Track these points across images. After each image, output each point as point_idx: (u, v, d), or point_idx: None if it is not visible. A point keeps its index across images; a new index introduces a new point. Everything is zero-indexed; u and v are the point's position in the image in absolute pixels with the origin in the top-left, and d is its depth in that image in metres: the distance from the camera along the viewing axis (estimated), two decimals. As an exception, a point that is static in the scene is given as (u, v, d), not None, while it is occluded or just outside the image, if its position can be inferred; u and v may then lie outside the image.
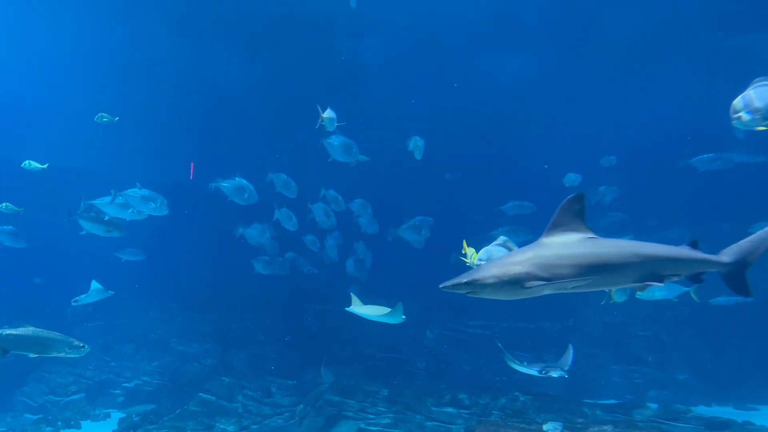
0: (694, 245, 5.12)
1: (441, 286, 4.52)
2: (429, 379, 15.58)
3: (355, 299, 10.13)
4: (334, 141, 11.76)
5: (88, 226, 11.39)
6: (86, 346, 6.99)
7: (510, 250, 6.90)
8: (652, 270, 4.81)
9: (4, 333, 6.56)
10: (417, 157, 12.63)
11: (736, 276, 5.12)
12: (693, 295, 11.58)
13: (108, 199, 11.00)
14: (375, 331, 16.54)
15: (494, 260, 4.73)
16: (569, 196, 4.83)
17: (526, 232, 14.46)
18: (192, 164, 15.60)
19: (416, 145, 12.52)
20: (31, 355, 6.70)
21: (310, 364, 15.67)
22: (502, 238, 7.30)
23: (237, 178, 12.14)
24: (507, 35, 16.99)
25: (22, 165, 12.21)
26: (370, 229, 14.75)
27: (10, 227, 13.96)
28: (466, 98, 17.56)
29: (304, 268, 15.93)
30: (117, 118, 11.60)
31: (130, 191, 11.06)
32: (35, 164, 12.19)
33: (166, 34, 17.01)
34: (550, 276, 4.48)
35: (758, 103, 5.78)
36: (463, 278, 4.50)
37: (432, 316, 16.67)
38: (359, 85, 17.08)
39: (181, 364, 16.08)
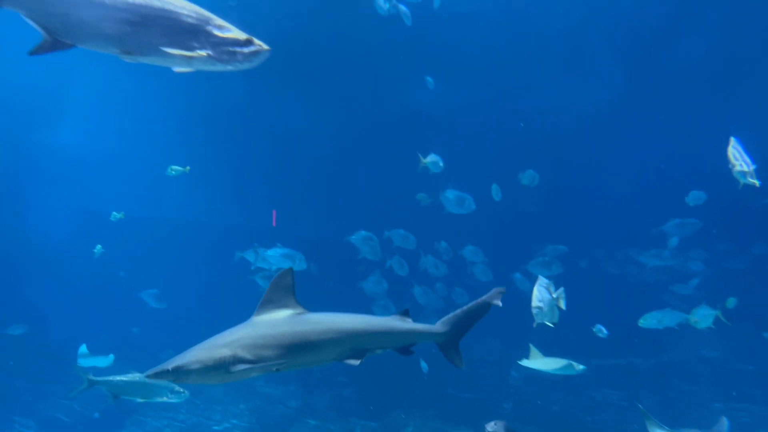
0: (405, 314, 4.91)
1: (145, 374, 4.42)
2: (516, 419, 15.06)
3: (534, 352, 9.73)
4: (449, 195, 12.20)
5: (263, 283, 12.26)
6: (186, 392, 7.35)
7: (550, 293, 6.77)
8: (356, 345, 4.66)
9: (115, 379, 7.01)
10: (496, 198, 12.69)
11: (450, 346, 5.07)
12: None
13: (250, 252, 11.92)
14: (456, 370, 16.28)
15: (205, 343, 4.53)
16: (279, 272, 4.75)
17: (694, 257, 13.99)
18: (274, 212, 16.24)
19: (531, 178, 12.72)
20: (138, 400, 7.10)
21: (392, 405, 15.60)
22: (543, 281, 7.08)
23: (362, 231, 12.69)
24: (579, 63, 16.90)
25: (111, 218, 13.16)
26: (483, 277, 14.61)
27: (155, 290, 14.93)
28: (540, 130, 17.44)
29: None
30: (188, 168, 12.23)
31: (270, 251, 11.84)
32: (118, 215, 13.16)
33: (239, 84, 17.91)
34: (255, 358, 4.36)
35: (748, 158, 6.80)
36: (168, 365, 4.36)
37: (516, 354, 16.24)
38: (433, 128, 17.25)
39: (267, 407, 16.38)
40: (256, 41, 3.86)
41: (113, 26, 3.62)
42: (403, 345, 5.03)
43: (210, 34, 3.77)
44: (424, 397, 15.85)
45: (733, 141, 6.87)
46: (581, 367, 9.25)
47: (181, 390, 7.30)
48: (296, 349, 4.59)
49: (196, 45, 3.73)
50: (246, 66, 3.88)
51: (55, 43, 3.64)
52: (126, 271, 18.11)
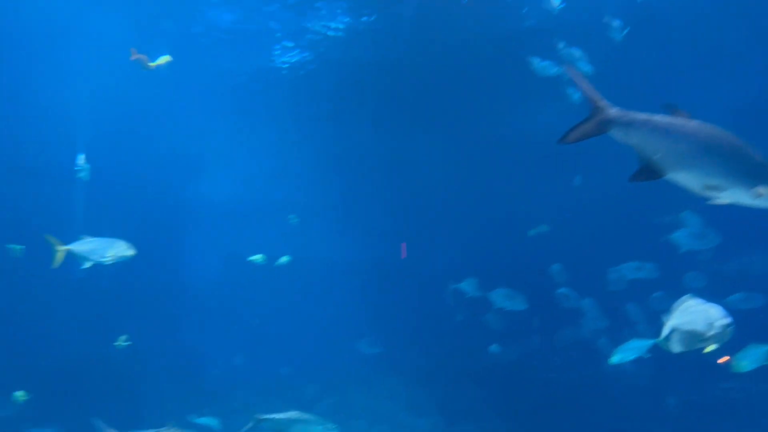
0: None
1: None
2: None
3: None
4: (498, 292, 12.67)
5: None
6: (337, 427, 7.68)
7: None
8: None
9: (277, 417, 7.48)
10: None
11: None
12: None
13: None
14: (606, 399, 15.46)
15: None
16: None
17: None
18: (403, 245, 16.61)
19: None
20: None
21: (540, 436, 15.05)
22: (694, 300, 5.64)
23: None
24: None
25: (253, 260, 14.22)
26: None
27: (367, 338, 15.98)
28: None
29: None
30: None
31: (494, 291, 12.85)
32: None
33: (365, 126, 18.60)
34: None
35: None
36: None
37: (671, 378, 15.07)
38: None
39: (411, 439, 16.40)
40: None
41: (708, 162, 4.07)
42: None
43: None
44: (573, 426, 15.11)
45: None
46: None
47: (334, 426, 7.63)
48: None
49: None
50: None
51: (649, 173, 4.19)
52: (260, 318, 19.39)
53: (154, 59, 11.55)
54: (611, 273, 13.60)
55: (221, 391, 17.49)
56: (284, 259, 14.05)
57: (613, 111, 4.24)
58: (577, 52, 11.19)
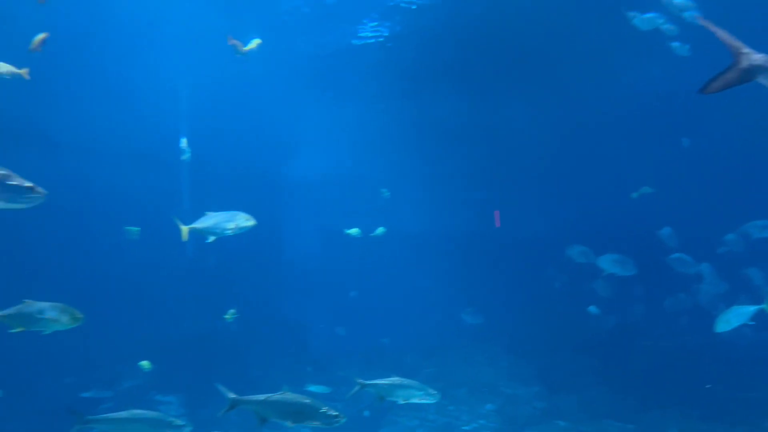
0: None
1: None
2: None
3: None
4: (607, 258, 12.66)
5: None
6: (438, 393, 7.83)
7: None
8: None
9: (379, 383, 7.74)
10: None
11: None
12: None
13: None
14: (722, 367, 14.69)
15: None
16: None
17: None
18: (497, 212, 16.42)
19: None
20: (400, 401, 7.76)
21: (649, 406, 14.52)
22: None
23: None
24: None
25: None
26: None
27: (470, 308, 16.42)
28: None
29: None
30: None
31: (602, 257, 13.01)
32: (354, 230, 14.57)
33: (454, 95, 18.35)
34: None
35: None
36: None
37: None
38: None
39: (512, 408, 16.36)
40: None
41: None
42: None
43: None
44: (686, 395, 14.46)
45: None
46: None
47: (435, 392, 7.77)
48: None
49: None
50: None
51: None
52: (358, 291, 19.85)
53: (245, 44, 12.00)
54: (731, 234, 12.71)
55: (325, 361, 18.23)
56: (380, 231, 14.33)
57: (760, 57, 3.97)
58: (687, 2, 10.37)
